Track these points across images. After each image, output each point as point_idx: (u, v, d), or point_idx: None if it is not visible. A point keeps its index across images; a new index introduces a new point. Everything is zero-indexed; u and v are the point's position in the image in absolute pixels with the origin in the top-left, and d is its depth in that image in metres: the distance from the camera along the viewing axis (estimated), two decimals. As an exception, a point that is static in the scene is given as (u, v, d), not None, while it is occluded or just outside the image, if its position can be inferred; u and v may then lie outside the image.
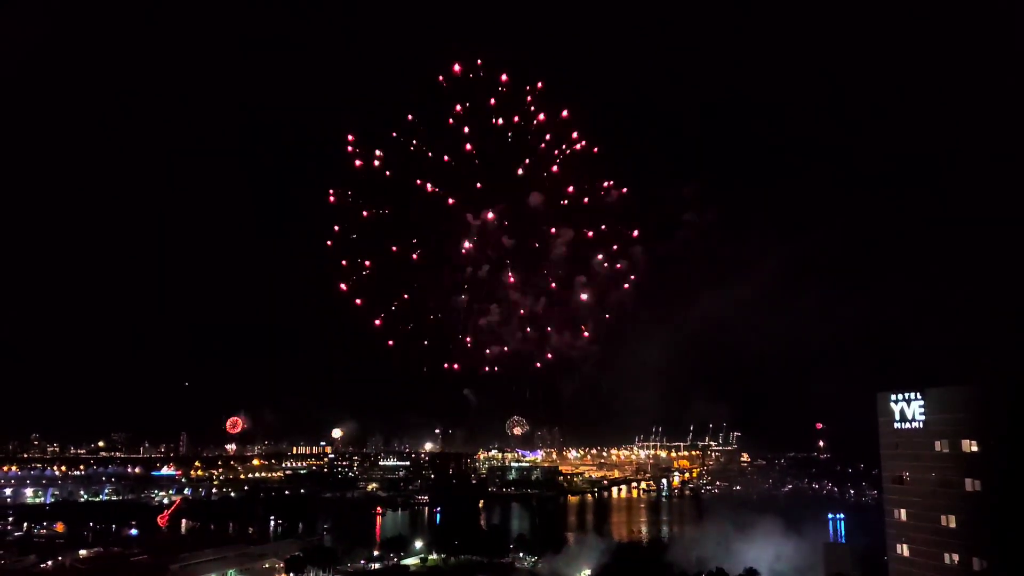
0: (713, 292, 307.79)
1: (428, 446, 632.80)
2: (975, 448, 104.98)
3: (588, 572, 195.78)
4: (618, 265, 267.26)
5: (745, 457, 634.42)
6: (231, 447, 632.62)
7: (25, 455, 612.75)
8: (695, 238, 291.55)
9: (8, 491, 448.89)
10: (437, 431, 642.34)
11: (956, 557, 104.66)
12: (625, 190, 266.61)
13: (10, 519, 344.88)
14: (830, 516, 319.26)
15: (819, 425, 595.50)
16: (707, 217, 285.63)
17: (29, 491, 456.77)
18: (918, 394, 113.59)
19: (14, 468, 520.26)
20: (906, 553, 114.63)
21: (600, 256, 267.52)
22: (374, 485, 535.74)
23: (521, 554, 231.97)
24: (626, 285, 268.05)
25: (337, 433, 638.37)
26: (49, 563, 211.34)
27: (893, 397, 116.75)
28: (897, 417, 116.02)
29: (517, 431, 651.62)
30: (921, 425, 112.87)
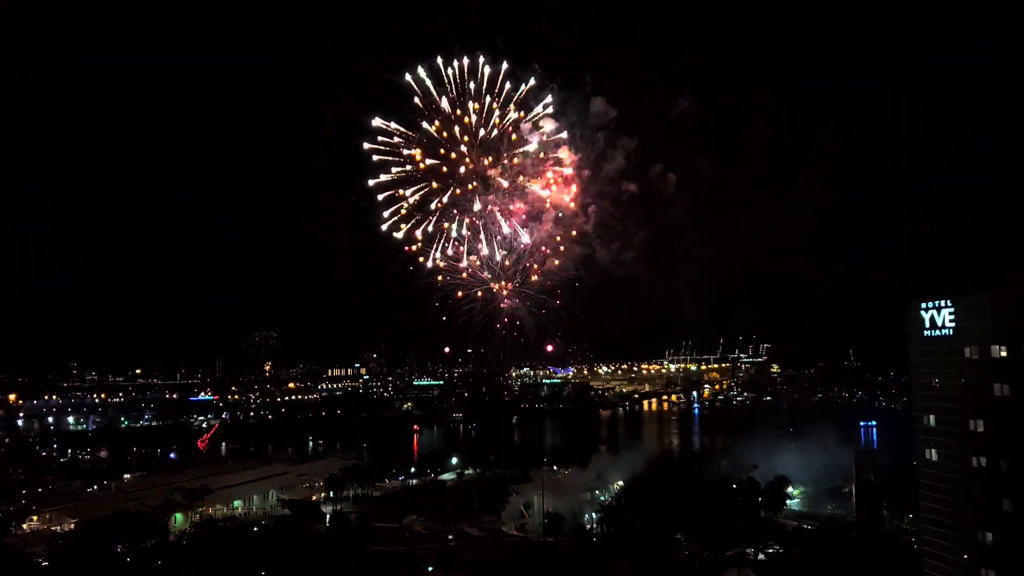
0: (767, 208, 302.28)
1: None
2: (1004, 353, 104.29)
3: (620, 483, 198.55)
4: (671, 176, 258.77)
5: (775, 368, 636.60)
6: (268, 368, 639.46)
7: (64, 384, 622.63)
8: (760, 149, 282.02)
9: (51, 419, 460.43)
10: (469, 350, 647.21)
11: (984, 460, 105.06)
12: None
13: (55, 446, 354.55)
14: (862, 423, 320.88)
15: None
16: (773, 129, 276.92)
17: (71, 419, 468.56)
18: (948, 302, 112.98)
19: (55, 396, 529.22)
20: (935, 457, 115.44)
21: (659, 167, 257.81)
22: (409, 404, 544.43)
23: (555, 467, 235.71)
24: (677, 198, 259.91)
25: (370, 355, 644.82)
26: (95, 487, 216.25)
27: (924, 305, 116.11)
28: (927, 325, 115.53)
29: (550, 348, 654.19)
30: (951, 332, 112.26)
